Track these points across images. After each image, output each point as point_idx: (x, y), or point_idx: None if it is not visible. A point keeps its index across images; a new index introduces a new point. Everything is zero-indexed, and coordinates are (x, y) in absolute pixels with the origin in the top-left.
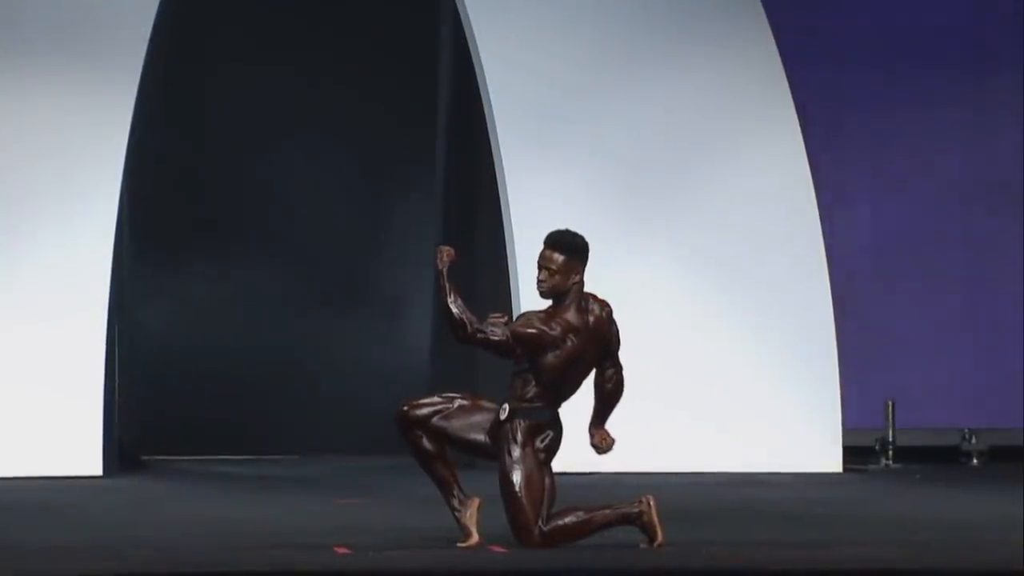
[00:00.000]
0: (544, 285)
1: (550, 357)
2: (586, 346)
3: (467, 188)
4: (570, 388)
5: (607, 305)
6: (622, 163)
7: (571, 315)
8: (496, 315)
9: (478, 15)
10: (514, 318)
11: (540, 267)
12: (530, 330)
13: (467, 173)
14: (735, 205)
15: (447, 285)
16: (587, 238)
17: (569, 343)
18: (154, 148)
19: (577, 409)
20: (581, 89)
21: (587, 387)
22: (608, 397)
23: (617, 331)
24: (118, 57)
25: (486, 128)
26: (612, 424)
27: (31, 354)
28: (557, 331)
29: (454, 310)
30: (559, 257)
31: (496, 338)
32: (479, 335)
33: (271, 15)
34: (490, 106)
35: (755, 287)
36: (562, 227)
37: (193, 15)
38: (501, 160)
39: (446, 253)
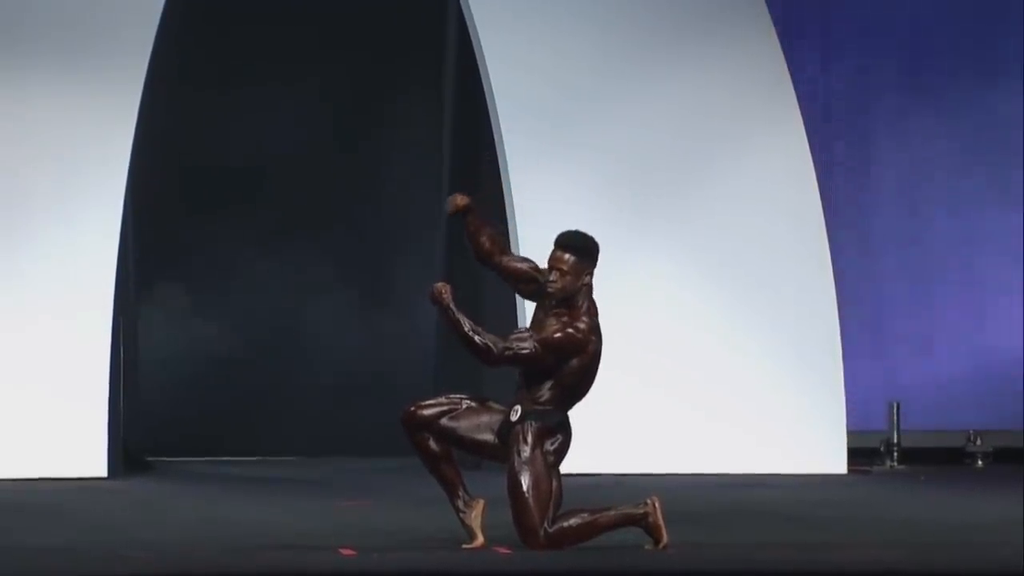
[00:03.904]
0: (554, 285)
1: (575, 361)
2: (600, 346)
3: (472, 189)
4: (585, 390)
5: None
6: (627, 163)
7: (588, 317)
8: (519, 330)
9: (482, 15)
10: (519, 323)
11: (551, 268)
12: (558, 335)
13: (472, 174)
14: (739, 206)
15: (459, 318)
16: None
17: (591, 345)
18: (159, 148)
19: (582, 411)
20: (586, 89)
21: (596, 389)
22: (477, 246)
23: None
24: (123, 56)
25: (491, 128)
26: (616, 425)
27: (36, 355)
28: (582, 333)
29: (476, 339)
30: (570, 258)
31: (526, 352)
32: (507, 352)
33: (276, 14)
34: (495, 106)
35: (760, 288)
36: (570, 228)
37: (199, 14)
38: (506, 160)
39: (445, 290)
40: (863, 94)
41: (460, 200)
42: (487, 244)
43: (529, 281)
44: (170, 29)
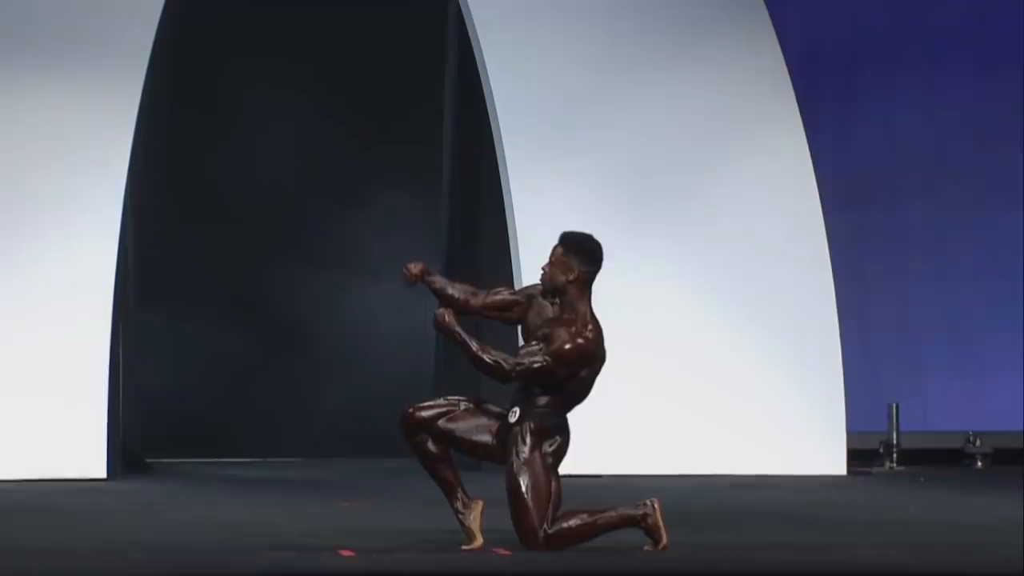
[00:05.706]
0: (543, 275)
1: (584, 371)
2: (605, 352)
3: (472, 193)
4: (585, 395)
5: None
6: (627, 167)
7: (593, 324)
8: (529, 344)
9: (482, 19)
10: (522, 337)
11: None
12: (568, 346)
13: (472, 178)
14: (739, 209)
15: (465, 339)
16: None
17: (600, 354)
18: (158, 152)
19: (582, 413)
20: (585, 94)
21: (596, 391)
22: (450, 302)
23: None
24: (122, 61)
25: (491, 131)
26: (617, 427)
27: (36, 358)
28: (591, 343)
29: (485, 358)
30: (559, 250)
31: (538, 365)
32: (519, 368)
33: (276, 18)
34: (494, 109)
35: (760, 291)
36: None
37: (198, 20)
38: (506, 162)
39: (448, 314)
40: (863, 93)
41: (414, 268)
42: (458, 295)
43: (512, 305)
44: (170, 35)
